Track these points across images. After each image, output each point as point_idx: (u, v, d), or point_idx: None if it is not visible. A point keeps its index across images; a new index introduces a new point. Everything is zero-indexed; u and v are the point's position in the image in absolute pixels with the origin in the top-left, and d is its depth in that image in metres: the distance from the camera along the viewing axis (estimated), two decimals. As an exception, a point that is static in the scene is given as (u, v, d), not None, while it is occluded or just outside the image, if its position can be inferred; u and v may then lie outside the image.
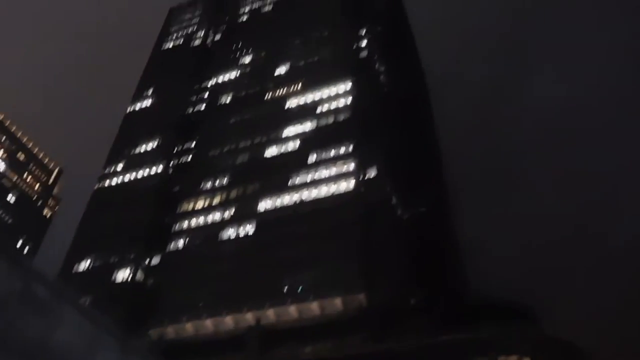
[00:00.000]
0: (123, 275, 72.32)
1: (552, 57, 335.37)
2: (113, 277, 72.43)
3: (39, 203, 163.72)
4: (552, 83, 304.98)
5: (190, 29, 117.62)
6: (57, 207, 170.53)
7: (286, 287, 57.19)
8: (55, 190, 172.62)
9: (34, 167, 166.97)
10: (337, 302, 54.31)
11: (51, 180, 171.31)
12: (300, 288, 56.55)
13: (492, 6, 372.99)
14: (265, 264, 59.38)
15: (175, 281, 65.39)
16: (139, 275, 72.07)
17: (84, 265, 76.28)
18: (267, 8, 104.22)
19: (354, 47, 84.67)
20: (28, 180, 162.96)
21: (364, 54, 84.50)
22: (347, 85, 75.37)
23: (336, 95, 75.24)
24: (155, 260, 72.76)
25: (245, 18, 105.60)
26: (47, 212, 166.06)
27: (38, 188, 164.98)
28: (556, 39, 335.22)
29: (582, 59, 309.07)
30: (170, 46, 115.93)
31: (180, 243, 69.04)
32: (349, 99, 73.57)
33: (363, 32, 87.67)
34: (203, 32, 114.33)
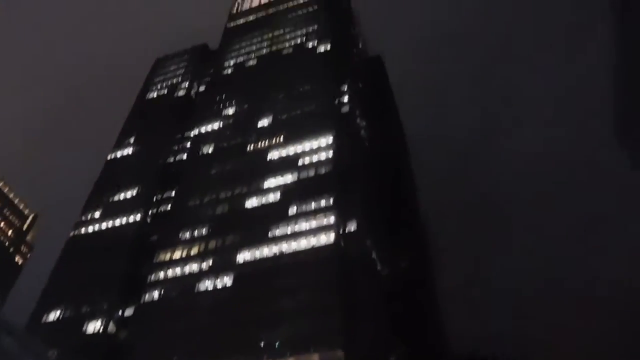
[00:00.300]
0: (94, 326, 70.23)
1: (529, 112, 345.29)
2: (84, 329, 70.29)
3: (11, 249, 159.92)
4: (530, 136, 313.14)
5: (174, 80, 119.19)
6: (29, 255, 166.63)
7: (263, 342, 55.92)
8: (29, 237, 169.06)
9: (8, 213, 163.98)
10: (315, 359, 53.16)
11: (25, 227, 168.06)
12: (277, 343, 55.36)
13: (467, 67, 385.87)
14: (243, 317, 58.33)
15: (148, 334, 63.61)
16: (111, 327, 70.09)
17: (54, 315, 74.06)
18: (252, 62, 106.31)
19: (336, 102, 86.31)
20: (1, 225, 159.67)
21: (345, 109, 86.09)
22: (329, 139, 76.33)
23: (318, 148, 76.06)
24: (129, 312, 70.97)
25: (229, 71, 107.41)
26: (18, 259, 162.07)
27: (11, 234, 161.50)
28: (532, 96, 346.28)
29: (559, 108, 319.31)
30: (155, 95, 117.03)
31: (156, 294, 67.56)
32: (330, 153, 74.34)
33: (345, 87, 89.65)
34: (187, 83, 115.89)
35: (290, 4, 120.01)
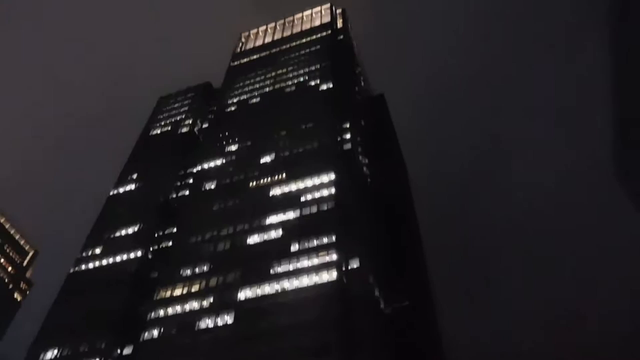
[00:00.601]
0: (92, 365, 69.04)
1: (526, 152, 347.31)
2: (82, 367, 69.13)
3: (10, 286, 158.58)
4: (527, 176, 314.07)
5: (178, 117, 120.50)
6: (28, 291, 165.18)
7: (264, 382, 54.88)
8: (29, 273, 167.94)
9: (9, 249, 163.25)
10: (317, 399, 52.05)
11: (25, 263, 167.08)
12: (278, 383, 54.27)
13: (465, 107, 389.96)
14: (244, 355, 57.39)
15: (147, 373, 62.45)
16: (110, 365, 68.89)
17: (52, 353, 72.82)
18: (255, 100, 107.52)
19: (338, 139, 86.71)
20: (1, 261, 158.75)
21: (347, 146, 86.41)
22: (331, 176, 76.34)
23: (320, 185, 76.00)
24: (128, 350, 69.74)
25: (232, 108, 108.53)
26: (17, 295, 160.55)
27: (11, 270, 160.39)
28: (529, 136, 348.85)
29: (555, 153, 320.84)
30: (158, 132, 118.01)
31: (155, 332, 66.45)
32: (332, 190, 74.18)
33: (347, 125, 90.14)
34: (191, 120, 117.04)
35: (293, 43, 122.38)
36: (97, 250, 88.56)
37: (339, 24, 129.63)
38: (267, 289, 63.86)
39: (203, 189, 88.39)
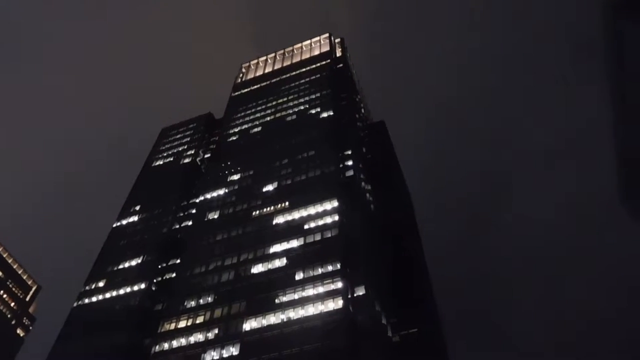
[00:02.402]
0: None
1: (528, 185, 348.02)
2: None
3: (13, 321, 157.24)
4: (529, 209, 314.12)
5: (180, 148, 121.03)
6: (31, 327, 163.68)
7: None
8: (32, 309, 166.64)
9: (12, 284, 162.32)
10: None
11: (28, 298, 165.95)
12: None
13: (465, 135, 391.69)
14: (249, 388, 56.40)
15: (152, 408, 61.43)
16: (113, 402, 67.86)
17: (55, 390, 71.96)
18: (256, 129, 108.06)
19: (340, 166, 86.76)
20: (4, 297, 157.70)
21: (349, 173, 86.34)
22: (333, 203, 76.09)
23: (323, 212, 75.70)
24: (132, 385, 68.90)
25: (234, 138, 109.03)
26: (20, 331, 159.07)
27: (14, 305, 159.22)
28: (531, 168, 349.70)
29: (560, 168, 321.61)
30: (161, 163, 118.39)
31: (159, 366, 65.66)
32: (336, 217, 73.86)
33: (348, 152, 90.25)
34: (193, 150, 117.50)
35: (293, 72, 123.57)
36: (101, 284, 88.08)
37: (338, 52, 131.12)
38: (273, 318, 63.13)
39: (206, 219, 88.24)
